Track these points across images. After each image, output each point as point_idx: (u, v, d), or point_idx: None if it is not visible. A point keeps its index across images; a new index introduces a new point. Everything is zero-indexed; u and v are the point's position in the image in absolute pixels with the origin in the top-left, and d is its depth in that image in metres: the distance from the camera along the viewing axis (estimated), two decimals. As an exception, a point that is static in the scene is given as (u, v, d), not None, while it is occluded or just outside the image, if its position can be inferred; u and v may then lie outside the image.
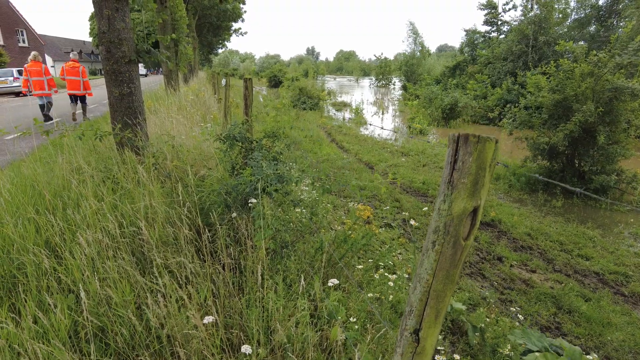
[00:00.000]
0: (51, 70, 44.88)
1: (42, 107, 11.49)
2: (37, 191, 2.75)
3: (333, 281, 2.12)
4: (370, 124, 18.91)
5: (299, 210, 3.24)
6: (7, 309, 1.82)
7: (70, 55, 11.70)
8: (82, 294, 1.55)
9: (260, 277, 2.34)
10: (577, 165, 8.03)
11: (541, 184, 8.18)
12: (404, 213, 6.01)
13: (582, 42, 20.47)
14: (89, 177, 3.05)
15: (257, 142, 3.25)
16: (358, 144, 12.15)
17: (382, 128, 14.69)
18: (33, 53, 11.64)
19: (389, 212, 6.05)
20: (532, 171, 8.38)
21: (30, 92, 11.27)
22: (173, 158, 3.34)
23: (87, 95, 11.91)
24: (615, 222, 6.88)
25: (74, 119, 11.52)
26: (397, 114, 23.17)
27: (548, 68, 8.32)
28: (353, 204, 4.98)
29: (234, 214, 2.57)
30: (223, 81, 7.45)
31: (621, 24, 17.70)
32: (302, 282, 1.92)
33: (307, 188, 4.97)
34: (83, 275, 2.00)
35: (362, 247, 3.19)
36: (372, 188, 7.10)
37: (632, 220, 7.16)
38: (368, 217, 2.89)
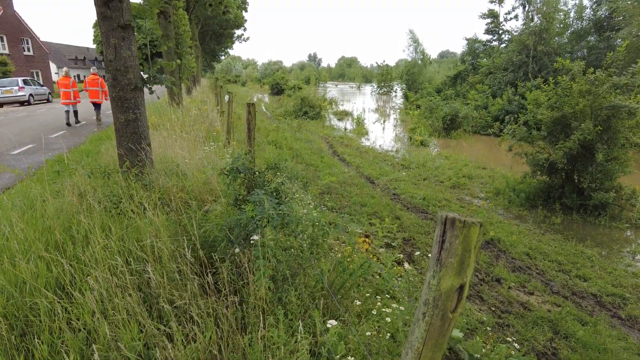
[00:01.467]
0: (55, 78, 45.47)
1: (67, 112, 13.59)
2: (46, 226, 2.86)
3: (331, 322, 2.20)
4: (372, 131, 19.05)
5: (301, 236, 3.33)
6: (23, 356, 1.91)
7: (91, 70, 13.87)
8: (95, 350, 1.64)
9: (261, 314, 2.43)
10: (576, 181, 8.09)
11: (541, 199, 8.26)
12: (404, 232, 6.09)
13: (581, 53, 20.60)
14: (96, 205, 3.15)
15: (259, 173, 3.34)
16: (359, 156, 12.25)
17: (380, 146, 14.80)
18: (64, 69, 14.23)
19: (389, 231, 6.13)
20: (532, 187, 8.45)
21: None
22: (178, 190, 3.44)
23: (103, 102, 14.07)
24: (613, 240, 6.94)
25: (99, 122, 14.17)
26: (398, 123, 23.29)
27: (547, 86, 8.42)
28: (353, 228, 5.06)
29: (237, 250, 2.66)
30: (226, 97, 7.58)
31: (618, 41, 17.82)
32: (301, 327, 1.99)
33: (309, 207, 5.06)
34: (93, 317, 2.09)
35: (361, 275, 3.27)
36: (373, 205, 7.18)
37: (631, 236, 7.23)
38: (367, 249, 2.97)
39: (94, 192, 4.07)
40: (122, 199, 3.67)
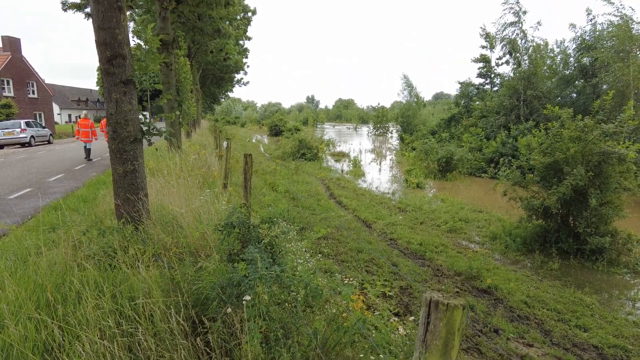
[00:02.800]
0: (57, 118, 46.33)
1: (88, 150, 16.37)
2: (38, 283, 2.84)
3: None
4: (368, 173, 19.25)
5: (294, 293, 3.31)
6: None
7: None
8: None
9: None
10: (572, 225, 8.12)
11: (537, 244, 8.24)
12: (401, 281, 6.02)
13: (569, 98, 21.25)
14: (89, 265, 3.14)
15: (253, 227, 3.37)
16: (356, 199, 12.30)
17: (377, 188, 14.93)
18: (84, 112, 17.13)
19: (386, 279, 6.07)
20: (528, 231, 8.46)
21: (78, 138, 16.58)
22: (172, 245, 3.46)
23: None
24: (612, 286, 6.87)
25: None
26: (394, 164, 23.57)
27: (537, 131, 8.65)
28: (349, 280, 5.03)
29: (229, 310, 2.65)
30: (225, 143, 7.74)
31: (604, 86, 18.51)
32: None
33: (304, 256, 5.05)
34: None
35: (355, 333, 3.23)
36: (369, 251, 7.15)
37: (630, 282, 7.16)
38: (361, 306, 2.95)
39: (89, 243, 4.07)
40: (117, 251, 3.67)
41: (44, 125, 30.74)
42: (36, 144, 25.57)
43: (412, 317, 4.76)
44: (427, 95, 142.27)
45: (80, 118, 16.63)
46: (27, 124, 25.08)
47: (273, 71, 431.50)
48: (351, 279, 5.38)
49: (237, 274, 2.64)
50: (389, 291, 5.49)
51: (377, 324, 4.23)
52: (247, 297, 2.48)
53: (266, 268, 2.56)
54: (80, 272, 2.96)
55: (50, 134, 28.38)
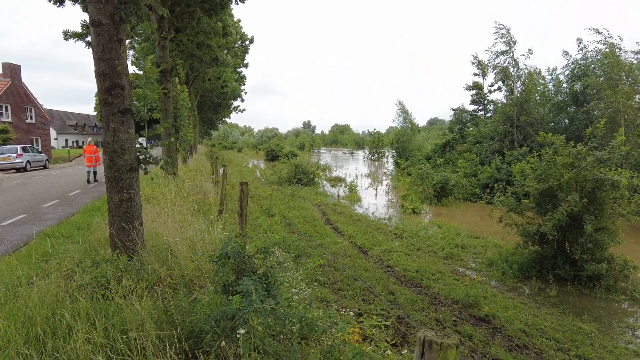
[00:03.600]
0: (54, 143, 46.53)
1: (89, 173, 17.30)
2: (28, 316, 2.79)
3: None
4: (364, 198, 19.27)
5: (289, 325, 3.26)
6: None
7: None
8: None
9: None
10: (568, 251, 8.11)
11: (534, 270, 8.21)
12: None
13: (562, 123, 21.62)
14: (81, 297, 3.10)
15: (248, 258, 3.35)
16: (352, 225, 12.27)
17: (373, 214, 14.92)
18: (89, 139, 18.37)
19: (383, 308, 5.99)
20: (525, 258, 8.43)
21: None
22: (166, 277, 3.43)
23: None
24: (611, 314, 6.81)
25: None
26: (390, 189, 23.64)
27: (531, 157, 8.76)
28: (345, 310, 4.97)
29: (223, 343, 2.60)
30: (221, 170, 7.77)
31: (596, 112, 18.91)
32: None
33: (300, 285, 4.99)
34: None
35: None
36: (366, 279, 7.09)
37: (629, 310, 7.10)
38: (357, 340, 2.91)
39: (82, 272, 4.02)
40: (110, 281, 3.63)
41: (40, 150, 30.80)
42: (32, 169, 25.55)
43: (406, 350, 4.68)
44: (421, 121, 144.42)
45: (85, 144, 17.60)
46: (24, 149, 25.13)
47: (266, 72, 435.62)
48: (347, 308, 5.31)
49: (231, 306, 2.61)
50: (386, 321, 5.41)
51: (374, 356, 4.15)
52: (242, 331, 2.45)
53: (260, 300, 2.54)
54: (72, 304, 2.92)
55: (46, 159, 28.40)
